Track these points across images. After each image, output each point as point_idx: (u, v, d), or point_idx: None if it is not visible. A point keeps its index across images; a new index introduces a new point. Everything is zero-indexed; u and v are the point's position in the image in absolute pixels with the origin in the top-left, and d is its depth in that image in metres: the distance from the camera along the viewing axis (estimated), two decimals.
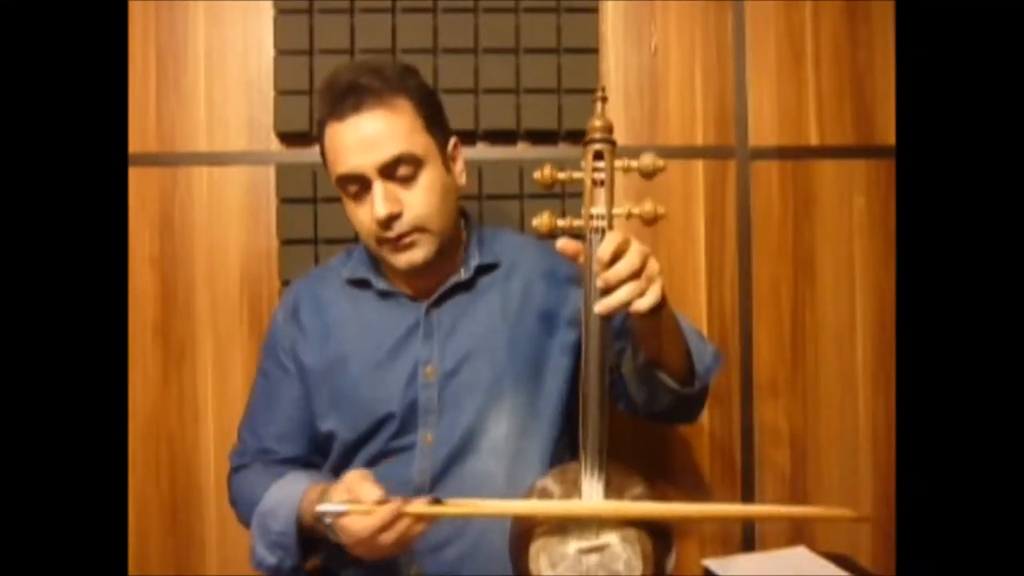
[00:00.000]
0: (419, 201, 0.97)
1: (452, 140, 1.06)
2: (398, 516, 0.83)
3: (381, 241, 0.99)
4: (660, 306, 0.90)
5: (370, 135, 0.95)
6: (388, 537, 0.84)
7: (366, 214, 0.98)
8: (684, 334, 0.98)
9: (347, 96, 0.96)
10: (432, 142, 1.00)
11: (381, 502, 0.83)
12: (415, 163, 0.97)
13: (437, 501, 0.86)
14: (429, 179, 0.98)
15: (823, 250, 1.48)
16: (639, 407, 1.03)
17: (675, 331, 0.96)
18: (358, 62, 1.03)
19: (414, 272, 1.02)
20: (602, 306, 0.82)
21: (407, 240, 0.98)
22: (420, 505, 0.84)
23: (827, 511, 0.88)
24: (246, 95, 1.40)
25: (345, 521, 0.85)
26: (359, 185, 0.97)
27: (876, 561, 1.45)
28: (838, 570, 1.19)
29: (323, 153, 1.01)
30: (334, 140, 0.98)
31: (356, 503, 0.84)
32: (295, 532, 0.94)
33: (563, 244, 0.87)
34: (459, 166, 1.07)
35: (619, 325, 1.01)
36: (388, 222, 0.96)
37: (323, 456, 1.08)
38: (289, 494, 0.96)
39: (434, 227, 0.99)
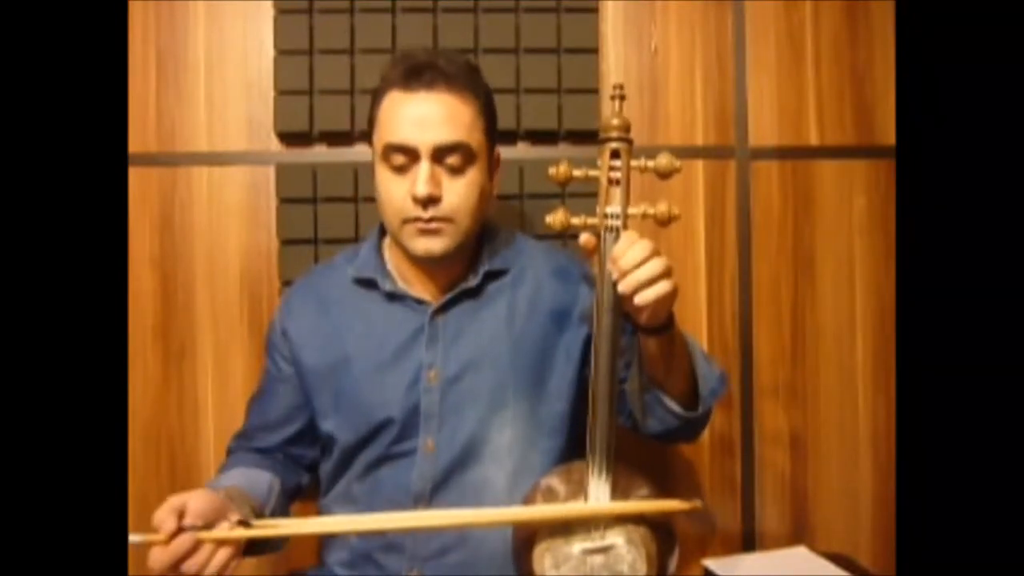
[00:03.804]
0: (459, 193, 0.98)
1: (496, 150, 1.07)
2: (194, 547, 0.80)
3: (408, 220, 0.98)
4: (670, 324, 0.91)
5: (435, 114, 0.96)
6: (191, 567, 0.80)
7: (403, 188, 0.97)
8: (691, 356, 0.98)
9: (423, 71, 0.97)
10: (486, 144, 1.02)
11: (177, 533, 0.80)
12: (468, 156, 0.98)
13: (244, 523, 0.83)
14: (474, 176, 0.99)
15: (823, 250, 1.48)
16: (640, 426, 1.02)
17: (682, 352, 0.96)
18: (434, 50, 1.01)
19: (427, 263, 1.01)
20: (625, 284, 0.82)
21: (434, 226, 0.97)
22: (223, 530, 0.82)
23: (669, 504, 0.89)
24: (246, 95, 1.40)
25: (150, 554, 0.81)
26: (406, 158, 0.97)
27: (876, 561, 1.44)
28: (838, 570, 1.19)
29: (373, 120, 1.01)
30: (395, 108, 0.98)
31: (152, 533, 0.80)
32: None
33: (586, 239, 0.87)
34: (496, 177, 1.08)
35: (626, 341, 1.00)
36: (425, 203, 0.96)
37: (326, 455, 1.09)
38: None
39: (463, 224, 0.99)
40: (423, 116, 0.96)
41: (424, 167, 0.96)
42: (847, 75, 1.48)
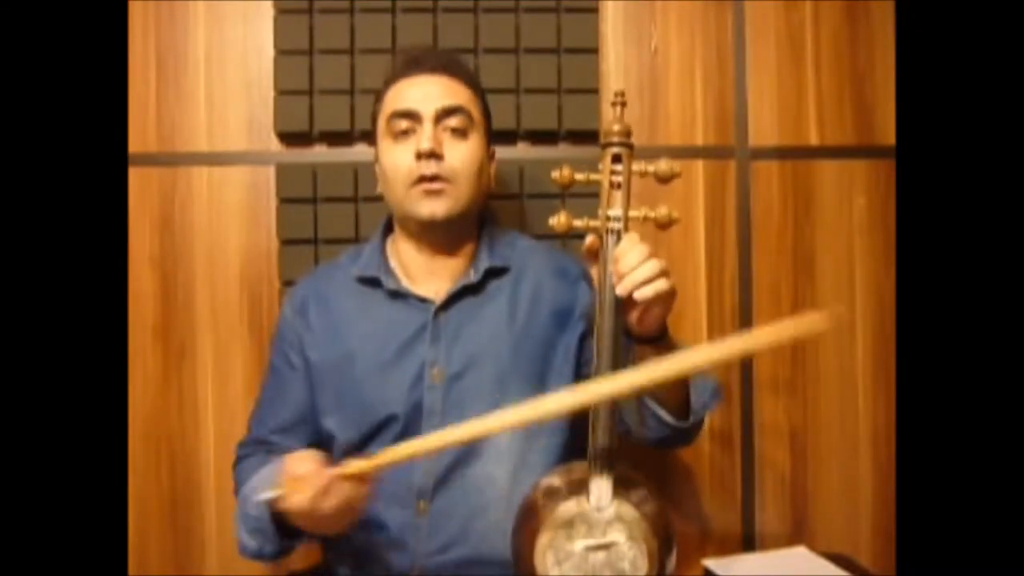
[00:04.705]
0: (460, 155, 1.03)
1: (492, 148, 1.11)
2: (333, 480, 0.84)
3: (413, 184, 1.01)
4: (664, 334, 0.92)
5: (436, 88, 1.04)
6: (328, 503, 0.84)
7: (407, 153, 1.02)
8: None
9: (424, 61, 1.06)
10: (483, 123, 1.07)
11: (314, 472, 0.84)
12: (468, 120, 1.04)
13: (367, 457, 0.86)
14: (474, 143, 1.04)
15: (823, 250, 1.48)
16: (634, 433, 1.03)
17: None
18: (434, 49, 1.10)
19: (431, 230, 1.04)
20: (623, 287, 0.84)
21: (437, 185, 1.01)
22: (355, 464, 0.85)
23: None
24: (246, 95, 1.40)
25: (288, 503, 0.85)
26: (410, 122, 1.02)
27: (876, 561, 1.44)
28: (838, 570, 1.19)
29: (377, 110, 1.08)
30: (399, 90, 1.05)
31: (290, 479, 0.85)
32: (269, 518, 0.94)
33: (591, 242, 0.89)
34: (492, 170, 1.12)
35: (624, 343, 1.00)
36: (429, 156, 1.00)
37: (327, 452, 1.08)
38: (266, 480, 0.95)
39: (463, 187, 1.03)
40: (425, 90, 1.03)
41: (427, 126, 1.01)
42: (847, 75, 1.48)
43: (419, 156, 1.00)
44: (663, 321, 0.91)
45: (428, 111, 1.01)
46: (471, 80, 1.08)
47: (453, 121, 1.02)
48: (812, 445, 1.47)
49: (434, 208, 1.01)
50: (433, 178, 1.00)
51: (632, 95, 1.44)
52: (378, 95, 1.08)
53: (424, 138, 1.00)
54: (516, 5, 1.40)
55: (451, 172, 1.01)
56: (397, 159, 1.03)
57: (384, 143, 1.05)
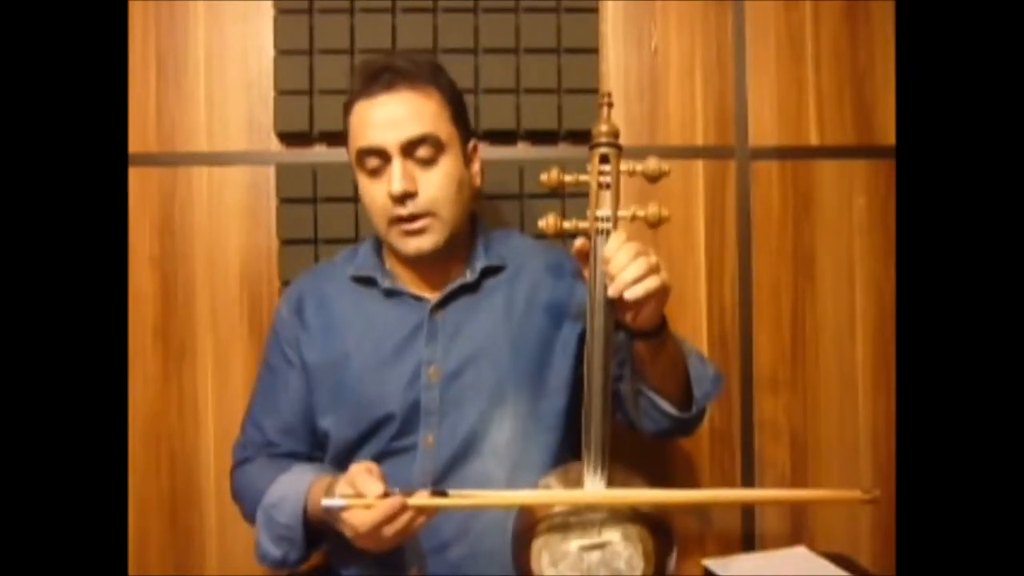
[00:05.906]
0: (435, 184, 0.99)
1: (472, 142, 1.08)
2: (401, 510, 0.83)
3: (392, 222, 0.99)
4: (662, 328, 0.92)
5: (398, 113, 0.98)
6: (390, 530, 0.84)
7: (381, 191, 0.99)
8: (685, 357, 0.99)
9: (380, 76, 0.99)
10: (456, 133, 1.02)
11: (383, 495, 0.83)
12: (437, 146, 0.99)
13: (440, 493, 0.86)
14: (448, 166, 1.00)
15: (823, 250, 1.48)
16: (636, 425, 1.04)
17: (676, 355, 0.97)
18: (394, 53, 1.04)
19: (420, 261, 1.03)
20: (614, 288, 0.84)
21: (418, 224, 0.99)
22: (423, 497, 0.85)
23: (832, 493, 0.86)
24: (246, 95, 1.40)
25: (347, 515, 0.85)
26: (379, 160, 0.98)
27: (876, 561, 1.44)
28: (838, 570, 1.19)
29: (347, 131, 1.03)
30: (361, 116, 0.99)
31: (359, 497, 0.84)
32: (301, 525, 0.94)
33: (581, 244, 0.89)
34: (476, 167, 1.08)
35: (620, 340, 1.01)
36: (403, 199, 0.97)
37: (323, 452, 1.09)
38: (295, 487, 0.96)
39: (445, 214, 1.00)
40: (386, 116, 0.98)
41: (396, 165, 0.97)
42: (847, 75, 1.48)
43: (393, 198, 0.97)
44: (659, 316, 0.91)
45: (393, 145, 0.96)
46: (436, 82, 1.01)
47: (422, 152, 0.98)
48: (812, 446, 1.47)
49: (419, 245, 1.00)
50: (412, 218, 0.98)
51: (632, 95, 1.44)
52: (344, 111, 1.03)
53: (395, 179, 0.96)
54: (516, 5, 1.40)
55: (430, 205, 0.98)
56: (373, 195, 1.00)
57: (359, 176, 1.02)
